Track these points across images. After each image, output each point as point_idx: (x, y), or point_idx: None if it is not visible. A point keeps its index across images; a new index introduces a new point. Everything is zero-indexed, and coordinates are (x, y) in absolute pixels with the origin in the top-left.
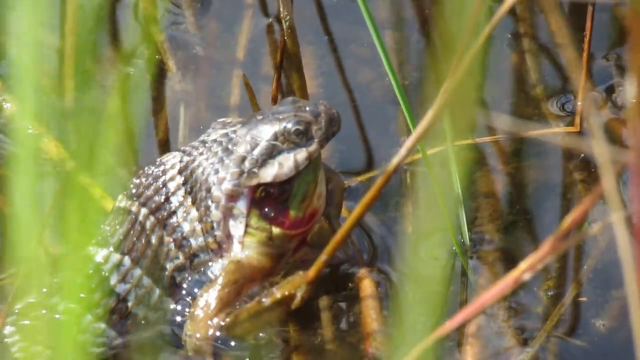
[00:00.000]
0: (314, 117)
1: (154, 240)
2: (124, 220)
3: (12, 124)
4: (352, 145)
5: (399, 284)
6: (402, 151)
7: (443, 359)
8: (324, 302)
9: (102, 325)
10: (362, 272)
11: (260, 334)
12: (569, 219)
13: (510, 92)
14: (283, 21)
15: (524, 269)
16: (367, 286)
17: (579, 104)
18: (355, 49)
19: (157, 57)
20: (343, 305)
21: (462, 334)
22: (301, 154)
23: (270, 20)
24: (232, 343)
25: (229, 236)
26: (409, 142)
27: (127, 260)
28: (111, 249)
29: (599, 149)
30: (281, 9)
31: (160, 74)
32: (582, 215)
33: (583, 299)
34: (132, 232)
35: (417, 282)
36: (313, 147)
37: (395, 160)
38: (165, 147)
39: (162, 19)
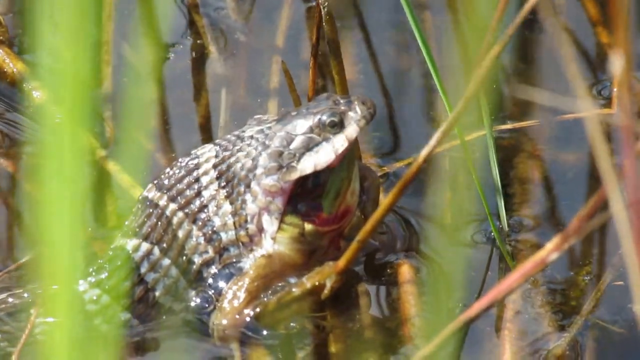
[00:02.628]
0: (348, 107)
1: (180, 234)
2: (151, 213)
3: (42, 112)
4: (392, 131)
5: (438, 270)
6: (432, 141)
7: (481, 344)
8: (362, 288)
9: (127, 315)
10: (401, 257)
11: (292, 323)
12: (593, 199)
13: (547, 77)
14: (321, 7)
15: (550, 250)
16: (405, 272)
17: (615, 89)
18: (396, 34)
19: (198, 42)
20: (382, 291)
21: (500, 320)
22: (339, 139)
23: (311, 5)
24: (263, 332)
25: (261, 230)
26: (434, 139)
27: (156, 250)
28: (140, 239)
29: (588, 114)
30: None
31: (201, 60)
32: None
33: (620, 283)
34: (159, 224)
35: (456, 268)
36: (350, 130)
37: (424, 151)
38: (205, 131)
39: (203, 4)
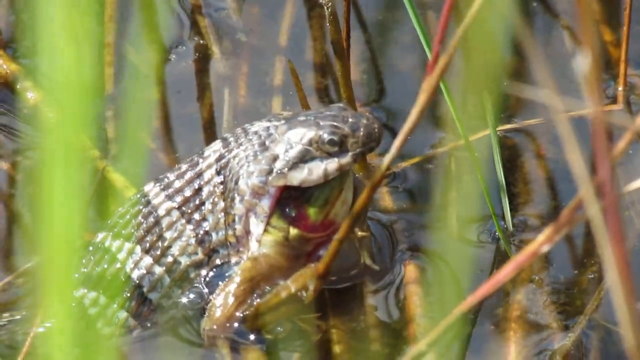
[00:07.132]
0: (352, 131)
1: (168, 235)
2: (139, 211)
3: (37, 113)
4: (396, 131)
5: (443, 270)
6: (396, 142)
7: (486, 344)
8: (367, 288)
9: (124, 314)
10: (407, 257)
11: (279, 327)
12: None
13: (551, 76)
14: (325, 7)
15: (541, 241)
16: (411, 271)
17: (619, 89)
18: (400, 34)
19: (201, 42)
20: (387, 291)
21: (505, 320)
22: (332, 164)
23: (313, 4)
24: (251, 337)
25: (247, 232)
26: (397, 142)
27: (138, 249)
28: (123, 239)
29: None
30: None
31: (204, 60)
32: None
33: None
34: (144, 224)
35: (461, 267)
36: (345, 159)
37: (387, 158)
38: (209, 131)
39: (205, 5)
